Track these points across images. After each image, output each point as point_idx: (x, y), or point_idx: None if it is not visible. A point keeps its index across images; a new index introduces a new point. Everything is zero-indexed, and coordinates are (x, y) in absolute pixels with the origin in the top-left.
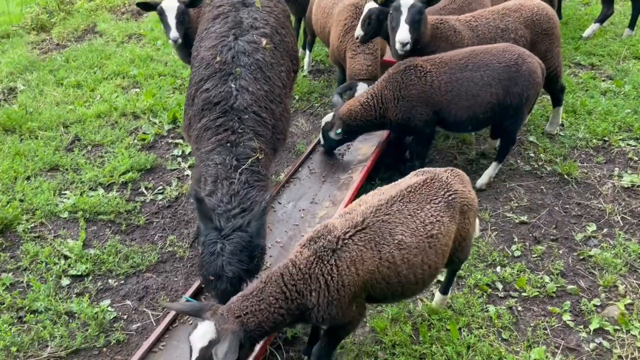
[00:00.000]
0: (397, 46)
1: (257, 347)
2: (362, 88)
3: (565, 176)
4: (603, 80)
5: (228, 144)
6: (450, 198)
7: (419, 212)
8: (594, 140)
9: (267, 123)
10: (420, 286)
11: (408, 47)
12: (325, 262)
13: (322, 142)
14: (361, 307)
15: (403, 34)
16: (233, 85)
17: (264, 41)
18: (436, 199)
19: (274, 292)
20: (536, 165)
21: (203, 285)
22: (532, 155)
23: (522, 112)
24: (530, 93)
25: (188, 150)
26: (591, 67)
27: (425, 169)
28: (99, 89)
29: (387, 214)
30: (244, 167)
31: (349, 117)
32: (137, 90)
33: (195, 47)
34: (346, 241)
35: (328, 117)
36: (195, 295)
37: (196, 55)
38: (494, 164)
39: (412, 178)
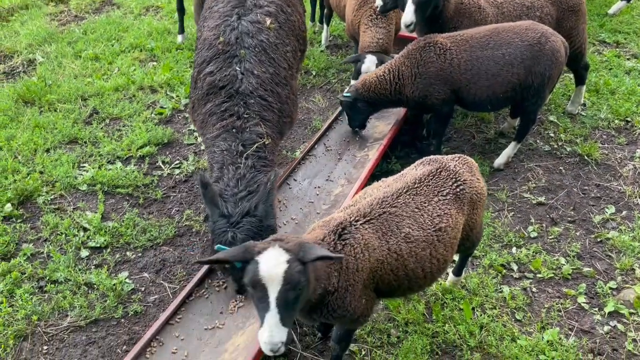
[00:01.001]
0: (402, 26)
1: None
2: (369, 60)
3: (586, 157)
4: (628, 59)
5: (234, 130)
6: (458, 189)
7: (426, 205)
8: (616, 121)
9: (273, 107)
10: (428, 280)
11: (412, 27)
12: (345, 241)
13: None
14: (370, 301)
15: (407, 15)
16: (238, 69)
17: (268, 21)
18: (444, 190)
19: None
20: (556, 146)
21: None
22: (552, 135)
23: (544, 92)
24: (552, 72)
25: None
26: (616, 45)
27: (433, 157)
28: (117, 62)
29: (394, 207)
30: (249, 152)
31: (363, 87)
32: (155, 63)
33: (199, 28)
34: (357, 227)
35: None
36: (206, 276)
37: (199, 35)
38: (512, 143)
39: (419, 168)
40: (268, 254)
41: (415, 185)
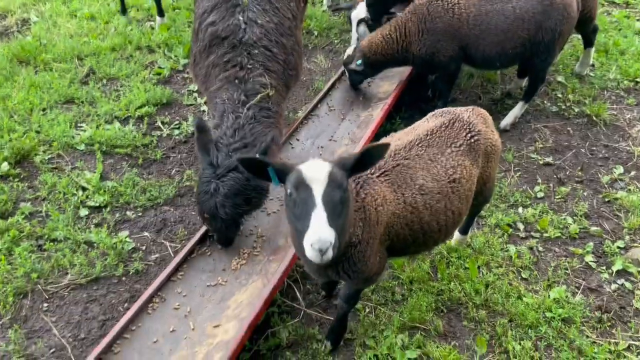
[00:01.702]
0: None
1: (276, 279)
2: (361, 7)
3: (594, 118)
4: (638, 20)
5: (236, 81)
6: (472, 140)
7: (439, 156)
8: (625, 82)
9: (278, 58)
10: (443, 234)
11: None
12: (366, 192)
13: (347, 76)
14: (383, 259)
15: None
16: (241, 18)
17: None
18: (457, 141)
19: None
20: (563, 107)
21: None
22: (559, 95)
23: (554, 49)
24: (563, 28)
25: None
26: (626, 5)
27: (446, 109)
28: (113, 22)
29: (407, 159)
30: (252, 102)
31: (370, 50)
32: (152, 23)
33: None
34: (374, 180)
35: (349, 51)
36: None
37: None
38: (520, 103)
39: (432, 120)
40: (309, 162)
41: (428, 137)
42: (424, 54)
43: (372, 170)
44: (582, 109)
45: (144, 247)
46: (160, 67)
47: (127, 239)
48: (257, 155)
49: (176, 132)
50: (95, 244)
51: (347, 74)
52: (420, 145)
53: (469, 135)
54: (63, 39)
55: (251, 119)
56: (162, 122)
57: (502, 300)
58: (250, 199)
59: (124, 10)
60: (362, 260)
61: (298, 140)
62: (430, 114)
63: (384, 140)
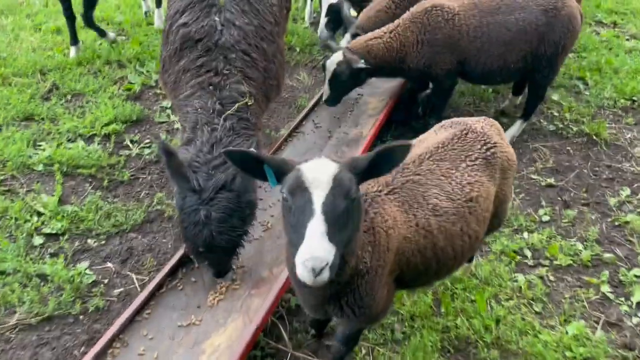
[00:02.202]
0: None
1: (259, 318)
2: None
3: (594, 137)
4: (627, 40)
5: (211, 87)
6: (489, 153)
7: (453, 171)
8: (622, 100)
9: (258, 64)
10: (457, 262)
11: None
12: (375, 211)
13: (325, 93)
14: (391, 292)
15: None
16: (217, 19)
17: None
18: (472, 155)
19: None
20: (561, 125)
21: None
22: (555, 114)
23: (556, 64)
24: (567, 42)
25: None
26: (613, 25)
27: (455, 119)
28: (81, 36)
29: (417, 174)
30: (229, 112)
31: (368, 54)
32: (123, 38)
33: None
34: (382, 197)
35: (337, 57)
36: (179, 265)
37: None
38: (518, 121)
39: (441, 132)
40: (313, 161)
41: (439, 150)
42: (422, 65)
43: (379, 187)
44: (580, 128)
45: (106, 281)
46: (130, 83)
47: (87, 271)
48: (253, 154)
49: (147, 151)
50: (49, 277)
51: (326, 88)
52: (431, 159)
53: (485, 147)
54: (25, 52)
55: (229, 131)
56: (131, 141)
57: (515, 338)
58: (245, 218)
59: (75, 41)
60: (370, 294)
61: None
62: (437, 126)
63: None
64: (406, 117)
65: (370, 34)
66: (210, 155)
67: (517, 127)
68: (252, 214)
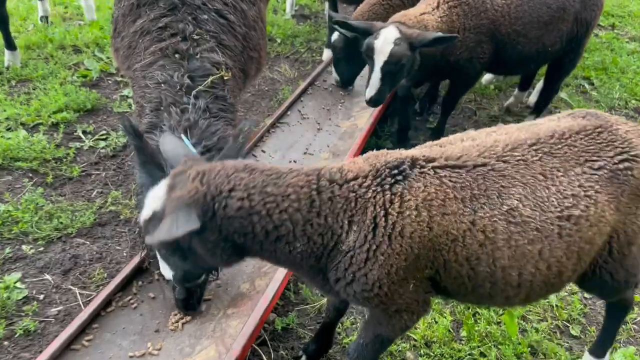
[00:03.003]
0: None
1: (238, 346)
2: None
3: None
4: (627, 42)
5: (176, 55)
6: (622, 166)
7: (559, 173)
8: (633, 101)
9: (236, 30)
10: (521, 296)
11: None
12: (386, 188)
13: (372, 87)
14: (423, 292)
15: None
16: None
17: None
18: (598, 161)
19: (294, 191)
20: None
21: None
22: None
23: (583, 46)
24: (594, 21)
25: None
26: (612, 27)
27: (593, 111)
28: (33, 18)
29: (504, 161)
30: (200, 88)
31: (419, 41)
32: (81, 22)
33: None
34: (426, 171)
35: (391, 33)
36: (136, 272)
37: None
38: (531, 117)
39: (566, 120)
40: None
41: (551, 141)
42: (463, 59)
43: (432, 158)
44: None
45: (41, 297)
46: (87, 69)
47: (18, 284)
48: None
49: (102, 144)
50: None
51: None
52: (534, 148)
53: (619, 157)
54: None
55: (204, 112)
56: (84, 132)
57: None
58: None
59: (9, 45)
60: (359, 290)
61: (264, 152)
62: (566, 112)
63: (484, 130)
64: (403, 115)
65: (416, 8)
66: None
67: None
68: None
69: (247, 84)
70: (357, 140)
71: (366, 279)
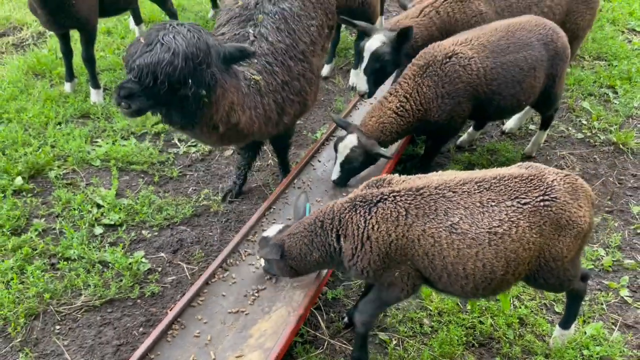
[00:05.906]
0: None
1: (301, 308)
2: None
3: (621, 146)
4: None
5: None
6: (542, 205)
7: (492, 204)
8: None
9: (277, 76)
10: (471, 285)
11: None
12: (357, 211)
13: (336, 173)
14: (408, 277)
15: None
16: (251, 31)
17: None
18: (524, 199)
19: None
20: (589, 134)
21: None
22: (584, 122)
23: (556, 95)
24: (562, 73)
25: None
26: None
27: (537, 164)
28: (130, 37)
29: (453, 191)
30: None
31: (382, 133)
32: None
33: None
34: (388, 198)
35: (350, 141)
36: (228, 257)
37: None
38: (539, 132)
39: (512, 168)
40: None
41: (493, 181)
42: (443, 119)
43: (399, 191)
44: (608, 137)
45: (159, 269)
46: None
47: (143, 260)
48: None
49: (193, 149)
50: (110, 264)
51: (338, 170)
52: (479, 184)
53: (542, 197)
54: (79, 53)
55: None
56: (179, 139)
57: (535, 336)
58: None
59: (70, 75)
60: (358, 270)
61: (320, 161)
62: (516, 165)
63: (456, 172)
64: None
65: (372, 111)
66: None
67: (540, 137)
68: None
69: (284, 118)
70: (394, 149)
71: (356, 267)
